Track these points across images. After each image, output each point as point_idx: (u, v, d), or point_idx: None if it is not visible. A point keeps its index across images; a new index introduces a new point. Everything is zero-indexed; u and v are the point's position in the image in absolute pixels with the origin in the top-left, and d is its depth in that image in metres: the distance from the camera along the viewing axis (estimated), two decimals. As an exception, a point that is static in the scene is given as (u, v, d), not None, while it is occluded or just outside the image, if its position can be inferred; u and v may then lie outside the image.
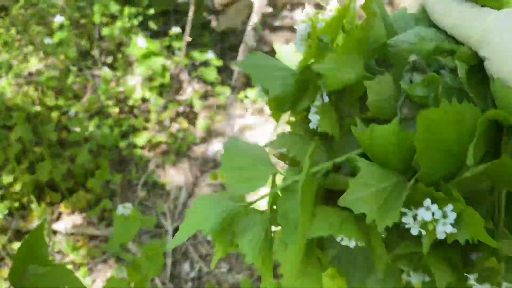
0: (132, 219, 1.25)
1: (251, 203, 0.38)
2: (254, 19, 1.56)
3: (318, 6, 0.42)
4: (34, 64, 2.30)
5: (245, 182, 0.38)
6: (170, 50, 2.45)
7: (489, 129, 0.32)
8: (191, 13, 1.85)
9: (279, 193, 0.37)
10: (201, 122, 2.47)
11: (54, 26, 2.23)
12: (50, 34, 2.32)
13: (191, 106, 2.57)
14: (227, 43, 3.08)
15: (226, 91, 2.56)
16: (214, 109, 2.58)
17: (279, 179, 0.38)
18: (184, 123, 2.38)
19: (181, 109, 2.60)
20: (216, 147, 2.41)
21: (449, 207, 0.31)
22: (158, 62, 2.04)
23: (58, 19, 2.11)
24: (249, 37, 1.62)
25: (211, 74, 2.31)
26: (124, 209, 1.23)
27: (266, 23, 3.11)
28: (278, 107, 0.41)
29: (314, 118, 0.39)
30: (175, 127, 2.46)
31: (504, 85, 0.32)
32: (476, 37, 0.34)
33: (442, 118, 0.31)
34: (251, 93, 2.47)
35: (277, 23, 3.07)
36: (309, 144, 0.37)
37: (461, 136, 0.32)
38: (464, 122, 0.31)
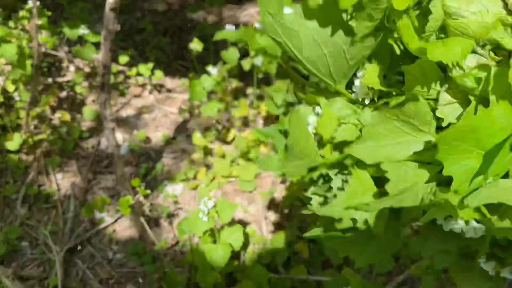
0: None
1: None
2: (110, -1, 1.17)
3: None
4: None
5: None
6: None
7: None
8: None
9: None
10: (89, 109, 2.07)
11: None
12: None
13: (74, 90, 2.14)
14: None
15: (115, 68, 2.15)
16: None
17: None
18: (67, 116, 1.97)
19: (63, 94, 2.17)
20: (110, 138, 2.04)
21: None
22: (10, 50, 1.59)
23: None
24: (108, 20, 1.23)
25: (89, 52, 1.88)
26: None
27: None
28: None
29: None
30: (56, 118, 2.04)
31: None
32: None
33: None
34: (144, 68, 2.07)
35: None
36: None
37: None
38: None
